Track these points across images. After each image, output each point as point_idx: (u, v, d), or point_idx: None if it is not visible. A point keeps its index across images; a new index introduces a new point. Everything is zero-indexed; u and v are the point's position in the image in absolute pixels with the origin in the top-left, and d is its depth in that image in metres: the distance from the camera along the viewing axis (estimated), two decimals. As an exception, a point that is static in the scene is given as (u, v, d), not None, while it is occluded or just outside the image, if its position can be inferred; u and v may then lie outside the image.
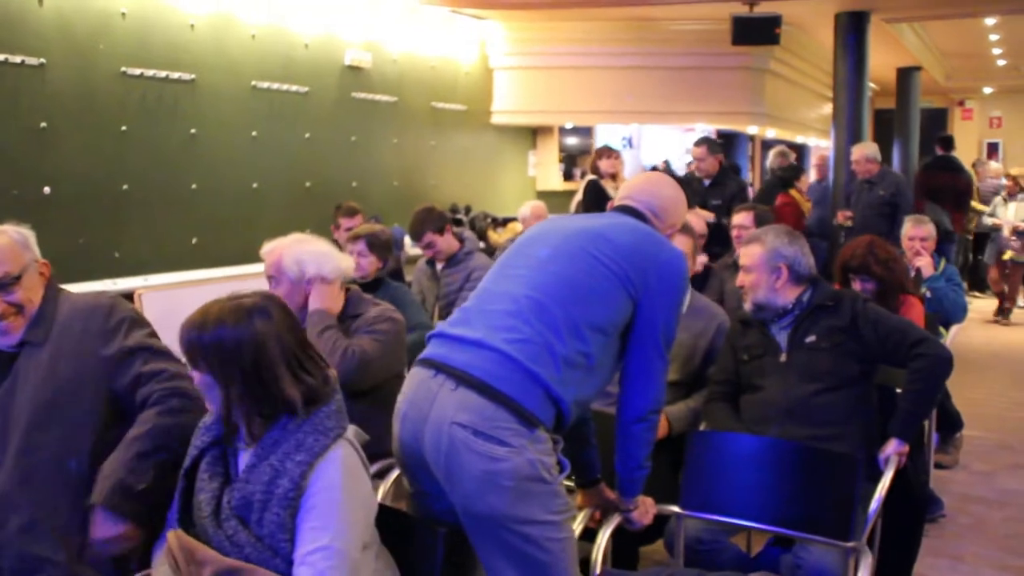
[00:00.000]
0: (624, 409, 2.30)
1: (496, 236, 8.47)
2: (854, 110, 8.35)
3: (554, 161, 10.23)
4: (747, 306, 3.03)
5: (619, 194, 2.53)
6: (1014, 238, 9.36)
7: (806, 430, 2.80)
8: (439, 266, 4.88)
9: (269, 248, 3.14)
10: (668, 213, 2.47)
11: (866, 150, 7.23)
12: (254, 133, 6.74)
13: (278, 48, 6.90)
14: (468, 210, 8.69)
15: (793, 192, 8.38)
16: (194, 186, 6.30)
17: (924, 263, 5.10)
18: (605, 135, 10.92)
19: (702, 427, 3.08)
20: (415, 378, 2.19)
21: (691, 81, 9.19)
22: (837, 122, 8.39)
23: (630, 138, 11.99)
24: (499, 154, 9.68)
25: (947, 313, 5.01)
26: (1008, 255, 9.39)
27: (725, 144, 14.82)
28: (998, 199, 9.91)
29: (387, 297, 4.26)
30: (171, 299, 5.85)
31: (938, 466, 4.77)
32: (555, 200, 9.47)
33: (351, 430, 1.97)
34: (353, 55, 7.54)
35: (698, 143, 7.03)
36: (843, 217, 7.35)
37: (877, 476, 2.77)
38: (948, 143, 9.53)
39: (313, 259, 3.13)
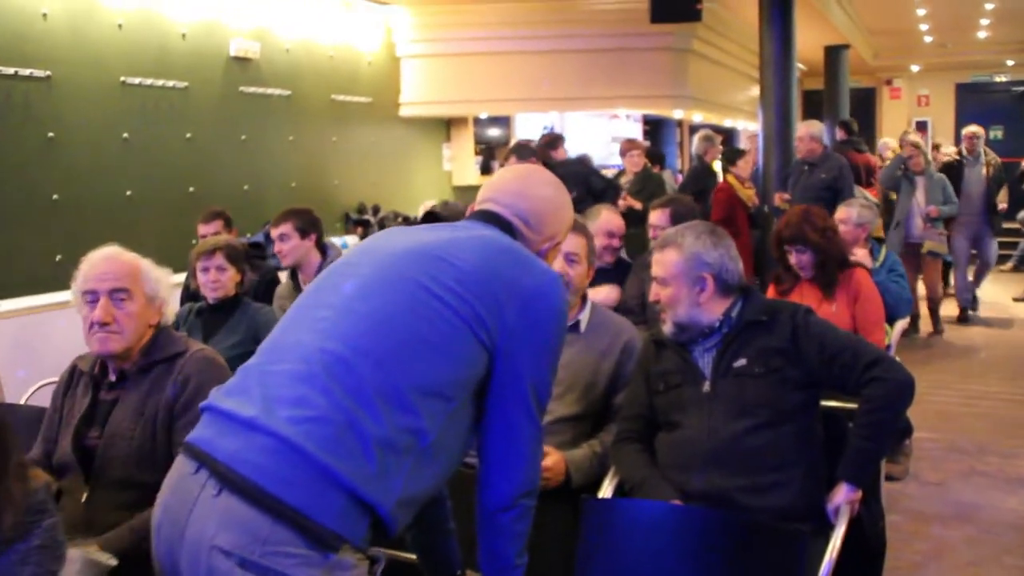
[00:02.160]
0: (486, 494, 1.69)
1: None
2: (782, 89, 7.87)
3: (470, 154, 9.65)
4: (666, 328, 2.47)
5: (479, 195, 1.92)
6: (928, 226, 7.69)
7: (736, 479, 2.26)
8: (303, 281, 4.23)
9: (114, 253, 2.43)
10: (545, 220, 1.85)
11: (811, 128, 6.76)
12: (125, 135, 6.04)
13: (150, 39, 6.20)
14: (377, 210, 8.08)
15: (730, 178, 7.86)
16: (55, 196, 5.60)
17: (861, 254, 4.62)
18: (525, 125, 10.35)
19: (610, 475, 2.52)
20: (175, 471, 1.56)
21: (610, 64, 8.68)
22: (765, 103, 7.91)
23: (552, 127, 11.44)
24: (410, 148, 9.06)
25: (890, 308, 4.53)
26: (928, 246, 7.73)
27: (652, 131, 14.46)
28: (900, 176, 8.05)
29: (244, 320, 3.66)
30: (28, 326, 5.21)
31: (888, 478, 4.30)
32: (472, 195, 8.89)
33: (78, 562, 1.36)
34: (239, 45, 6.85)
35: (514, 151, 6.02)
36: (780, 199, 6.87)
37: (825, 529, 2.25)
38: (850, 128, 9.10)
39: (166, 288, 2.51)
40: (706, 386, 2.38)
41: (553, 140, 7.49)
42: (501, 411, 1.66)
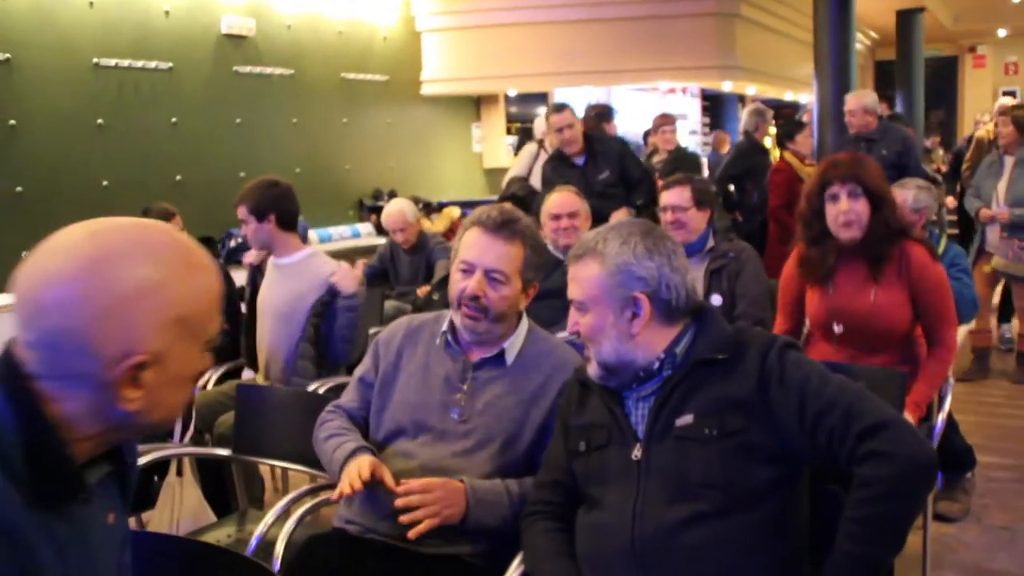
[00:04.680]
0: None
1: (430, 224, 7.27)
2: (840, 57, 7.03)
3: (502, 134, 9.00)
4: (591, 370, 1.79)
5: None
6: (1004, 235, 5.40)
7: (671, 591, 1.58)
8: (265, 277, 3.64)
9: None
10: (87, 338, 1.06)
11: (864, 99, 5.85)
12: (100, 121, 5.59)
13: (128, 17, 5.73)
14: (393, 195, 7.49)
15: (788, 155, 7.00)
16: (19, 188, 5.18)
17: (916, 245, 3.82)
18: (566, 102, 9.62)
19: (519, 558, 1.86)
20: None
21: (651, 33, 7.92)
22: (820, 72, 7.08)
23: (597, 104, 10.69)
24: (435, 129, 8.46)
25: (950, 310, 3.75)
26: (995, 263, 5.42)
27: (712, 107, 13.55)
28: (988, 162, 5.79)
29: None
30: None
31: (941, 518, 3.54)
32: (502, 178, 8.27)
33: None
34: (231, 22, 6.35)
35: (559, 108, 5.31)
36: None
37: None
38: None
39: None
40: (636, 451, 1.70)
41: (605, 111, 6.82)
42: None
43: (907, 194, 4.01)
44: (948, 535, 3.46)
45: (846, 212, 2.88)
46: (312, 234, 6.68)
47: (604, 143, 5.48)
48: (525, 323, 2.16)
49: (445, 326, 2.13)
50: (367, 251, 6.21)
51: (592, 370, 1.78)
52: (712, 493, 1.61)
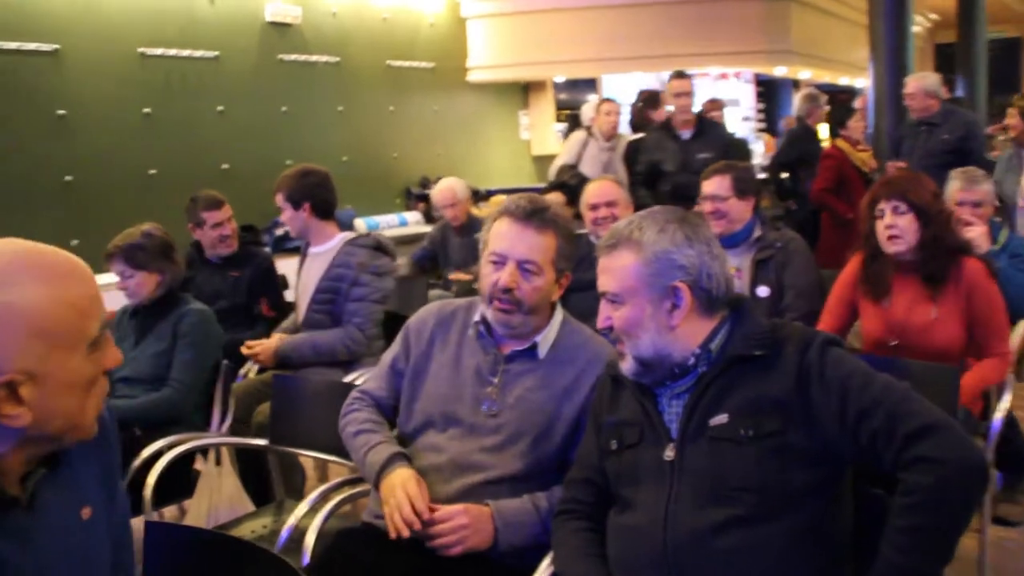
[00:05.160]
0: None
1: (478, 211, 7.24)
2: (895, 40, 6.80)
3: (551, 121, 8.90)
4: (625, 366, 1.71)
5: None
6: None
7: (705, 600, 1.51)
8: (303, 265, 3.61)
9: None
10: None
11: (924, 82, 5.64)
12: (146, 110, 5.62)
13: (173, 6, 5.75)
14: (439, 183, 7.46)
15: (840, 142, 6.80)
16: (68, 178, 5.25)
17: (976, 234, 3.64)
18: (613, 88, 9.50)
19: (548, 559, 1.80)
20: None
21: (701, 17, 7.76)
22: (875, 55, 6.86)
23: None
24: (482, 117, 8.39)
25: (1011, 302, 3.57)
26: None
27: (767, 92, 13.28)
28: (1007, 156, 5.70)
29: (176, 323, 3.06)
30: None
31: (1000, 521, 3.40)
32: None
33: None
34: (276, 9, 6.34)
35: (680, 75, 5.40)
36: (894, 169, 5.76)
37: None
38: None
39: None
40: (668, 451, 1.62)
41: (652, 97, 6.75)
42: None
43: (989, 186, 3.83)
44: (1008, 539, 3.31)
45: (889, 227, 2.89)
46: (359, 222, 6.67)
47: (717, 126, 5.70)
48: (559, 315, 2.09)
49: (478, 316, 2.07)
50: (415, 239, 6.18)
51: (626, 366, 1.70)
52: (747, 497, 1.53)
